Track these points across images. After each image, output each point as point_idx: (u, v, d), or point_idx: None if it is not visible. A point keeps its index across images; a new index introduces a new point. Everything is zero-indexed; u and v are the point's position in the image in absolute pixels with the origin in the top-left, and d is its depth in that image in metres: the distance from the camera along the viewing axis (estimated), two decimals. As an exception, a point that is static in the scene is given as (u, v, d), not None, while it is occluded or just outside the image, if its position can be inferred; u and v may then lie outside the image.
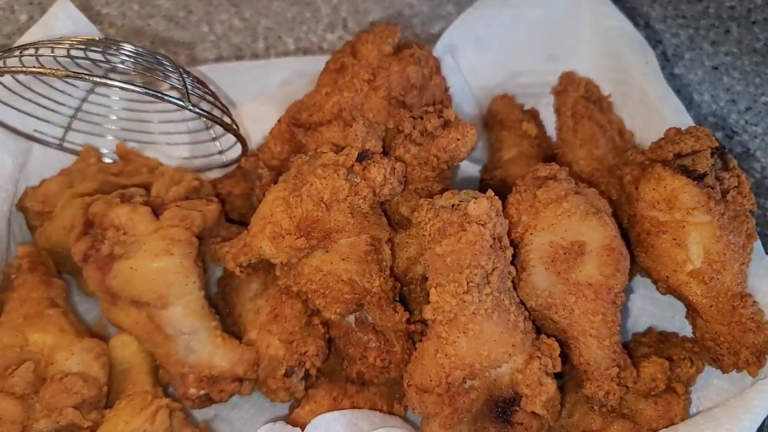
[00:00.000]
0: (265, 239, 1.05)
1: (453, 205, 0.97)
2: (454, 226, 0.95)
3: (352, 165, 1.06)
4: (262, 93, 1.36)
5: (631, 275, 1.24)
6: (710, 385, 1.12)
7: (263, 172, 1.20)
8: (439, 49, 1.34)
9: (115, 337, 1.15)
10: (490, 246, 0.94)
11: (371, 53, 1.18)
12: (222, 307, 1.21)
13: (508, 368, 1.00)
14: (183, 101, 1.06)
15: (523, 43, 1.41)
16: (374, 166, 1.06)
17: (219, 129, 1.22)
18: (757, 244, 1.13)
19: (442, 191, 1.08)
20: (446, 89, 1.26)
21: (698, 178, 1.07)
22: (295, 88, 1.32)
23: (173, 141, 1.34)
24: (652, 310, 1.26)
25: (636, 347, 1.16)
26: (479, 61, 1.39)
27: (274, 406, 1.16)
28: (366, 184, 1.05)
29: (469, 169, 1.44)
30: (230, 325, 1.18)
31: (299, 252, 1.05)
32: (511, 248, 1.00)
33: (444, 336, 0.98)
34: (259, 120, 1.34)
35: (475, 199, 0.95)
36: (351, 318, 1.11)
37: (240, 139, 1.19)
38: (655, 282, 1.14)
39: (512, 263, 1.07)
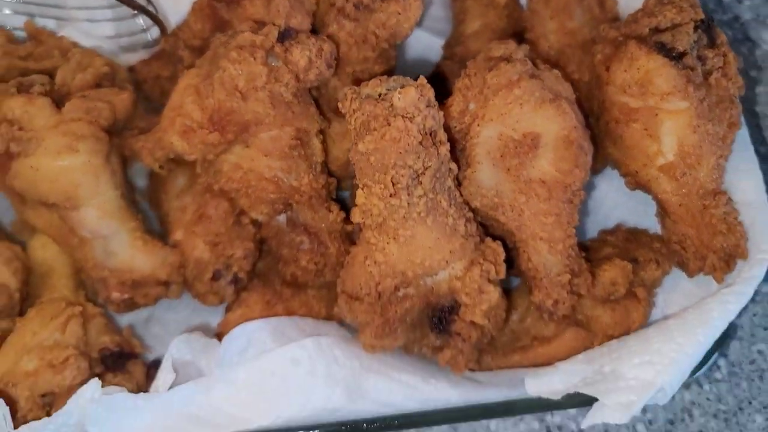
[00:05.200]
0: (176, 134, 0.93)
1: (379, 95, 0.83)
2: (379, 120, 0.82)
3: (272, 46, 0.91)
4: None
5: (602, 166, 1.12)
6: (678, 288, 1.02)
7: (184, 53, 1.06)
8: None
9: (35, 238, 1.07)
10: (419, 143, 0.81)
11: None
12: (152, 204, 1.12)
13: (446, 275, 0.90)
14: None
15: None
16: (297, 47, 0.91)
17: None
18: (743, 133, 0.99)
19: (385, 74, 0.94)
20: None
21: (677, 57, 0.91)
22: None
23: (94, 17, 1.18)
24: (626, 203, 1.14)
25: (600, 247, 1.05)
26: None
27: (209, 308, 1.09)
28: (288, 68, 0.92)
29: (433, 42, 1.27)
30: (159, 223, 1.10)
31: (214, 148, 0.93)
32: (448, 144, 0.87)
33: (373, 242, 0.88)
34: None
35: (402, 88, 0.81)
36: (282, 218, 1.01)
37: (150, 15, 1.04)
38: (623, 176, 1.01)
39: (457, 158, 0.95)
